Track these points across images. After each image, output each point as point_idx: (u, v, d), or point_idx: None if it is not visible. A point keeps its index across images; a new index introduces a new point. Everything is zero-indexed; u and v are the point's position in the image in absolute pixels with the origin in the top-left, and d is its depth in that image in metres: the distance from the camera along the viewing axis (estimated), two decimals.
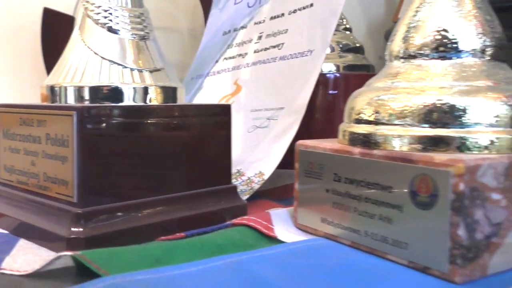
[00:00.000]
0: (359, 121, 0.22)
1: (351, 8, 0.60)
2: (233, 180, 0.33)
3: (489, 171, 0.18)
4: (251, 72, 0.41)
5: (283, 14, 0.42)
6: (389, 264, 0.19)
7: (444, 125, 0.20)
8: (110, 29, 0.25)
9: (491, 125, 0.20)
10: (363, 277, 0.18)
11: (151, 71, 0.26)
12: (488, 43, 0.22)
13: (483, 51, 0.22)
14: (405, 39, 0.22)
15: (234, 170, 0.35)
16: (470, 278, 0.18)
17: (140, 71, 0.25)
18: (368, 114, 0.22)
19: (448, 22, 0.22)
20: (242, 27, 0.46)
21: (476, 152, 0.19)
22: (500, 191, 0.18)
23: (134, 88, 0.25)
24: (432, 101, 0.20)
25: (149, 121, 0.24)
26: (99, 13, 0.25)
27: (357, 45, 0.45)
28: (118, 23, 0.25)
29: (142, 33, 0.26)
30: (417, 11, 0.23)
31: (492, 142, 0.20)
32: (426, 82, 0.21)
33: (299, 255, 0.20)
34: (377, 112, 0.22)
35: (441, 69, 0.21)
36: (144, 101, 0.25)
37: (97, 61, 0.25)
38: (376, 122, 0.22)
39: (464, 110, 0.20)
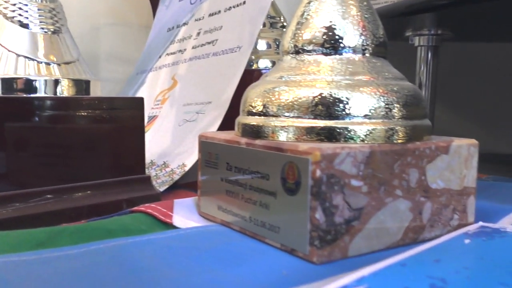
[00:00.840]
0: (250, 113, 0.23)
1: (296, 6, 0.61)
2: (158, 172, 0.34)
3: (348, 159, 0.19)
4: (187, 68, 0.42)
5: (219, 11, 0.43)
6: (265, 247, 0.21)
7: (326, 117, 0.21)
8: (21, 24, 0.26)
9: (368, 117, 0.21)
10: (234, 258, 0.19)
11: (61, 64, 0.27)
12: (369, 41, 0.23)
13: (364, 48, 0.23)
14: (294, 35, 0.24)
15: (160, 162, 0.36)
16: (329, 259, 0.19)
17: (49, 64, 0.26)
18: (257, 107, 0.23)
19: (333, 20, 0.23)
20: (184, 24, 0.47)
21: (353, 142, 0.21)
22: (361, 178, 0.20)
23: (45, 80, 0.26)
24: (315, 94, 0.22)
25: (55, 112, 0.25)
26: (7, 7, 0.25)
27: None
28: (28, 18, 0.26)
29: (53, 27, 0.27)
30: (305, 8, 0.24)
31: (368, 132, 0.21)
32: (311, 77, 0.22)
33: (184, 240, 0.21)
34: (265, 105, 0.23)
35: (325, 65, 0.23)
36: (55, 93, 0.26)
37: (4, 55, 0.25)
38: (264, 114, 0.23)
39: (344, 103, 0.21)
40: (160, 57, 0.48)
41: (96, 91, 0.29)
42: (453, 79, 0.62)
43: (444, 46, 0.55)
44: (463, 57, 0.62)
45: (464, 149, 0.23)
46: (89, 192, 0.27)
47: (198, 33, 0.44)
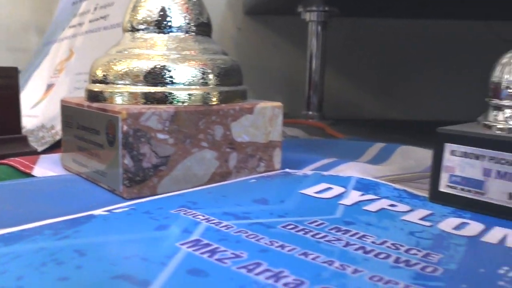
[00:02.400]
0: (93, 81, 0.28)
1: None
2: (45, 133, 0.39)
3: (153, 117, 0.24)
4: (82, 40, 0.46)
5: None
6: (98, 188, 0.26)
7: (154, 84, 0.26)
8: None
9: (188, 84, 0.27)
10: (66, 195, 0.24)
11: None
12: (193, 22, 0.28)
13: (189, 28, 0.28)
14: (132, 15, 0.28)
15: (49, 124, 0.40)
16: (138, 195, 0.24)
17: None
18: (98, 76, 0.28)
19: (163, 4, 0.28)
20: None
21: (179, 104, 0.26)
22: (167, 132, 0.25)
23: None
24: (145, 65, 0.26)
25: None
26: None
27: None
28: None
29: None
30: None
31: (188, 96, 0.26)
32: (143, 51, 0.27)
33: (33, 184, 0.26)
34: (104, 74, 0.27)
35: (155, 41, 0.27)
36: None
37: None
38: (104, 82, 0.27)
39: (169, 73, 0.26)
40: (63, 29, 0.51)
41: None
42: (345, 51, 0.68)
43: (339, 20, 0.61)
44: (354, 30, 0.68)
45: (269, 110, 0.28)
46: None
47: (95, 8, 0.48)
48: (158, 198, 0.22)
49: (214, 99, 0.27)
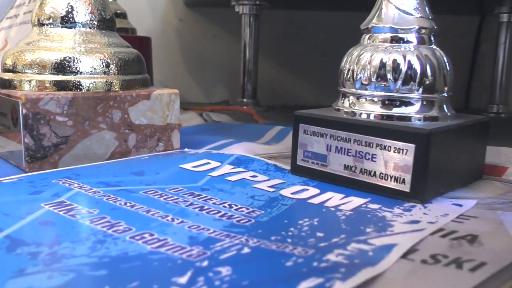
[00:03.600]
0: (4, 70, 0.31)
1: None
2: None
3: (52, 102, 0.28)
4: (16, 31, 0.49)
5: None
6: (8, 166, 0.29)
7: (61, 73, 0.30)
8: None
9: (92, 73, 0.30)
10: None
11: None
12: (96, 18, 0.31)
13: (92, 23, 0.31)
14: (38, 11, 0.31)
15: None
16: (40, 169, 0.28)
17: None
18: (8, 65, 0.31)
19: (68, 1, 0.31)
20: None
21: (80, 91, 0.29)
22: (65, 115, 0.28)
23: None
24: (52, 56, 0.30)
25: None
26: None
27: (119, 11, 0.54)
28: None
29: None
30: None
31: (91, 84, 0.30)
32: (50, 43, 0.30)
33: None
34: (14, 63, 0.30)
35: (61, 35, 0.31)
36: None
37: None
38: (13, 71, 0.31)
39: (74, 63, 0.30)
40: (1, 20, 0.54)
41: None
42: (282, 41, 0.72)
43: (274, 12, 0.65)
44: (291, 21, 0.72)
45: (166, 96, 0.32)
46: None
47: (30, 1, 0.50)
48: (49, 172, 0.25)
49: (115, 87, 0.30)
